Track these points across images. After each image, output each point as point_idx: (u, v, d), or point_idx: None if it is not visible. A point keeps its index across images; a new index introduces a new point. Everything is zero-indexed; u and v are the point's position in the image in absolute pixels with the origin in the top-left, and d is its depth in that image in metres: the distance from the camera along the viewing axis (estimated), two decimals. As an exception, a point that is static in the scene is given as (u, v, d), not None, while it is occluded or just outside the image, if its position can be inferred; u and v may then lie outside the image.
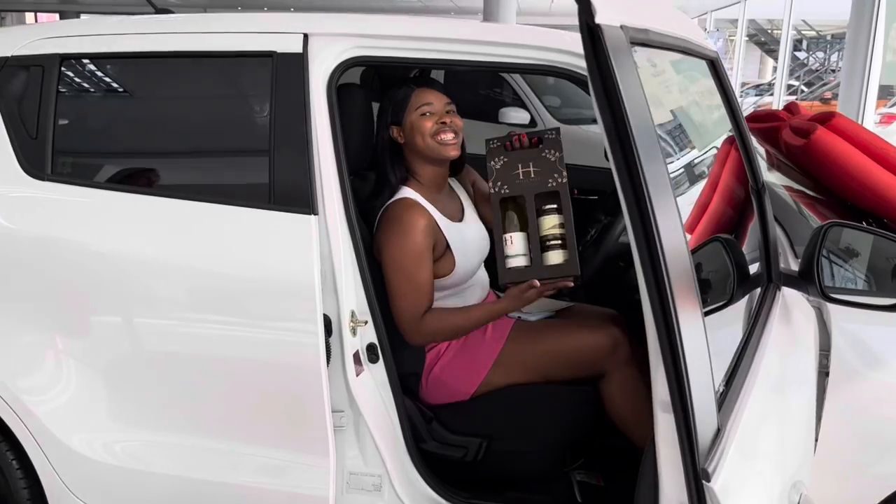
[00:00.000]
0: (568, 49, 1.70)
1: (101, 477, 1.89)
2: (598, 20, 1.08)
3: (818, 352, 1.69)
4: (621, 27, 1.14)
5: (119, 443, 1.87)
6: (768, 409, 1.40)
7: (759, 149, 2.40)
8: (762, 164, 2.55)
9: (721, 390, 1.30)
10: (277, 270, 1.72)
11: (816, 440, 1.69)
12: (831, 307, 1.66)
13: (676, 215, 1.14)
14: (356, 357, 1.80)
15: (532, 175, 1.84)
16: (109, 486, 1.89)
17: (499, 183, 1.86)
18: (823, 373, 1.67)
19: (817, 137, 1.93)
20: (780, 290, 1.54)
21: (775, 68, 17.65)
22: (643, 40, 1.26)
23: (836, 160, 1.93)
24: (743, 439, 1.23)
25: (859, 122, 8.14)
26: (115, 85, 1.98)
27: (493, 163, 1.87)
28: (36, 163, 1.84)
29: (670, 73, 2.35)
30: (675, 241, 1.10)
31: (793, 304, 1.58)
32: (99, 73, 1.95)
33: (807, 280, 1.44)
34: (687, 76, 2.53)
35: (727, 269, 1.41)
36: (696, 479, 1.12)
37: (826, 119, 2.04)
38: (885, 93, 11.70)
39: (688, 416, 1.10)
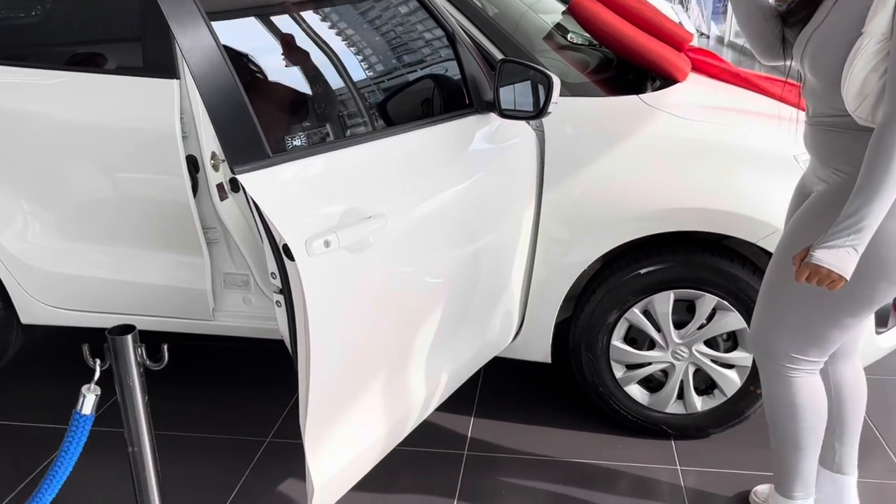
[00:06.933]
0: None
1: (50, 281, 2.59)
2: None
3: (539, 162, 2.20)
4: None
5: (62, 255, 2.55)
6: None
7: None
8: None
9: None
10: (153, 123, 2.33)
11: (537, 234, 2.23)
12: (547, 130, 2.18)
13: None
14: (220, 187, 2.42)
15: None
16: (57, 288, 2.60)
17: None
18: (541, 177, 2.20)
19: (576, 3, 2.41)
20: (481, 113, 2.05)
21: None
22: None
23: (588, 21, 2.41)
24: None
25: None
26: None
27: None
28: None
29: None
30: None
31: (515, 125, 2.11)
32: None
33: (494, 105, 1.96)
34: None
35: (434, 98, 1.94)
36: None
37: (597, -12, 2.50)
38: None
39: None
